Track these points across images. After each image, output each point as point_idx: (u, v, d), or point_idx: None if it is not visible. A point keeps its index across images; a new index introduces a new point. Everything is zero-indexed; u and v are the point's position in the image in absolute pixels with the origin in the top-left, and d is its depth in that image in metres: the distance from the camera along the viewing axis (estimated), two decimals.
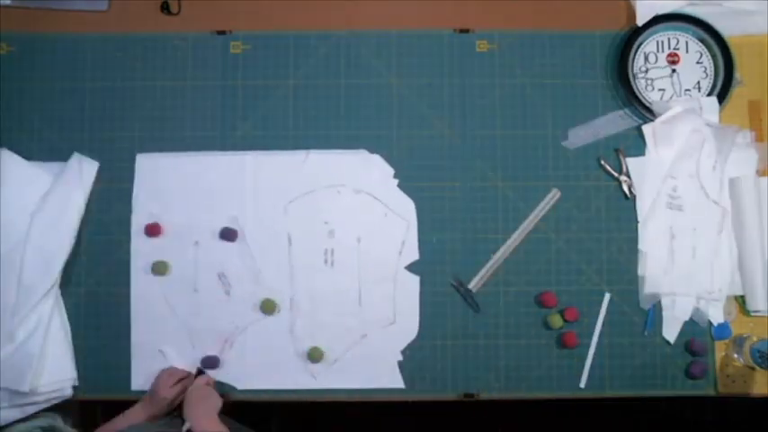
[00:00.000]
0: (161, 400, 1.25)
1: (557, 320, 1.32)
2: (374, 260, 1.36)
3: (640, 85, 1.40)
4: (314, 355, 1.31)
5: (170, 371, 1.31)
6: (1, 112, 1.39)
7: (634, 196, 1.37)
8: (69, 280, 1.35)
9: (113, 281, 1.35)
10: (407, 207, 1.37)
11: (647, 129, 1.38)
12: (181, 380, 1.29)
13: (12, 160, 1.36)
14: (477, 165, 1.39)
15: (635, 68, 1.41)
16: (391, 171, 1.38)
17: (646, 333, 1.34)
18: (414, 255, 1.36)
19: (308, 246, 1.36)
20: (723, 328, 1.34)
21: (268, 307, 1.33)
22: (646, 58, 1.42)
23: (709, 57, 1.41)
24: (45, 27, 1.42)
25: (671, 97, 1.40)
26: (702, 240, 1.35)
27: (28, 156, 1.38)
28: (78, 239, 1.35)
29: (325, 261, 1.35)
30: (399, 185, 1.38)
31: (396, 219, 1.36)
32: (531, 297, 1.36)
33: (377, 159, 1.38)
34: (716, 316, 1.34)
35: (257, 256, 1.35)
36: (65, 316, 1.34)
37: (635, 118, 1.40)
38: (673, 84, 1.41)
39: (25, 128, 1.39)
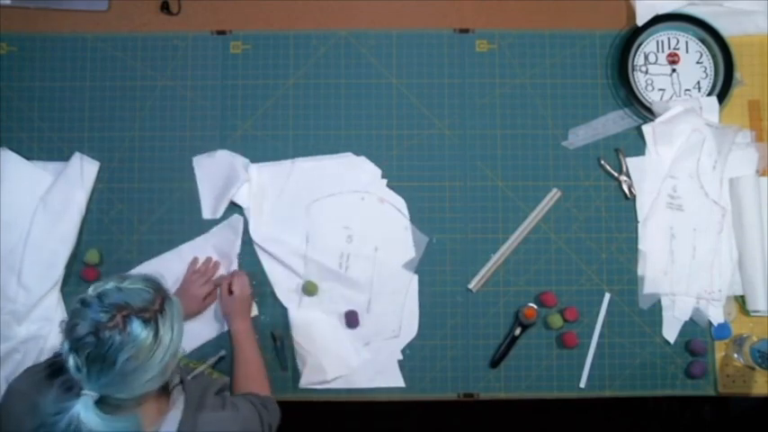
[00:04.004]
0: (192, 299, 1.26)
1: (557, 320, 1.32)
2: (389, 271, 1.35)
3: (640, 85, 1.40)
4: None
5: (200, 269, 1.31)
6: (1, 112, 1.39)
7: (634, 196, 1.37)
8: (69, 280, 1.35)
9: None
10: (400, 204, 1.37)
11: (647, 129, 1.38)
12: (209, 278, 1.30)
13: (12, 160, 1.36)
14: (477, 165, 1.39)
15: (635, 68, 1.41)
16: (379, 171, 1.38)
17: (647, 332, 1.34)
18: (410, 253, 1.36)
19: (324, 247, 1.35)
20: (723, 328, 1.34)
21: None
22: (646, 58, 1.42)
23: (710, 57, 1.41)
24: (45, 27, 1.42)
25: (671, 97, 1.40)
26: (702, 240, 1.35)
27: (28, 156, 1.38)
28: (78, 239, 1.35)
29: (340, 265, 1.35)
30: (399, 185, 1.37)
31: (415, 233, 1.36)
32: (531, 297, 1.36)
33: (363, 160, 1.38)
34: (716, 316, 1.34)
35: (264, 256, 1.35)
36: (65, 315, 1.33)
37: (635, 118, 1.40)
38: (673, 84, 1.41)
39: (25, 128, 1.39)
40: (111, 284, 0.89)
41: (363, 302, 1.34)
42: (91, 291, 0.89)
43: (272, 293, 1.34)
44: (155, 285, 0.92)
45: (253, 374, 1.20)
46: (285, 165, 1.38)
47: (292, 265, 1.34)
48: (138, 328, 0.85)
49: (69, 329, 0.87)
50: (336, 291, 1.34)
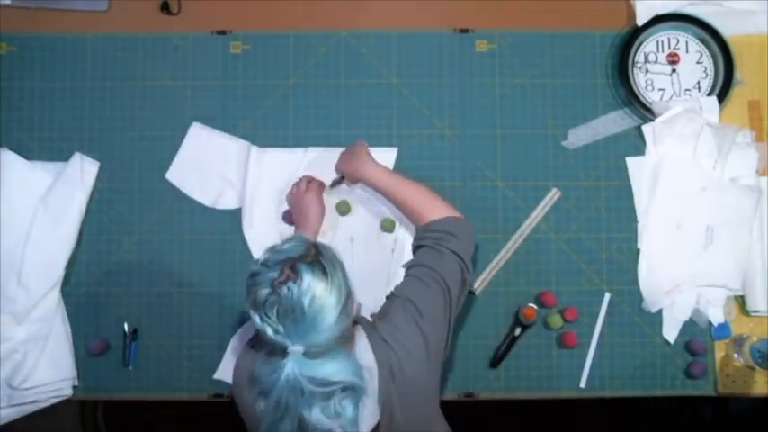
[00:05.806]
0: (315, 216, 1.30)
1: (557, 320, 1.32)
2: (368, 260, 1.35)
3: (640, 85, 1.40)
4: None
5: (294, 187, 1.33)
6: (1, 112, 1.39)
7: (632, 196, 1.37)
8: (69, 280, 1.35)
9: (113, 281, 1.35)
10: None
11: (647, 129, 1.38)
12: (309, 183, 1.32)
13: (12, 160, 1.36)
14: (478, 165, 1.39)
15: (635, 68, 1.41)
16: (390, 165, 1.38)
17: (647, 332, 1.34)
18: (410, 254, 1.36)
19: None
20: (723, 328, 1.34)
21: None
22: (646, 58, 1.42)
23: (710, 57, 1.41)
24: (45, 27, 1.42)
25: (671, 97, 1.40)
26: (702, 240, 1.35)
27: (28, 156, 1.38)
28: (78, 239, 1.35)
29: None
30: None
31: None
32: (531, 297, 1.36)
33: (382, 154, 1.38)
34: (716, 316, 1.34)
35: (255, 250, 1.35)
36: (65, 315, 1.34)
37: (635, 118, 1.40)
38: (673, 84, 1.41)
39: (25, 128, 1.39)
40: (267, 253, 0.98)
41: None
42: (254, 264, 0.97)
43: None
44: (303, 239, 1.00)
45: (423, 202, 1.20)
46: (252, 160, 1.37)
47: None
48: (307, 272, 0.93)
49: (252, 302, 0.94)
50: None
